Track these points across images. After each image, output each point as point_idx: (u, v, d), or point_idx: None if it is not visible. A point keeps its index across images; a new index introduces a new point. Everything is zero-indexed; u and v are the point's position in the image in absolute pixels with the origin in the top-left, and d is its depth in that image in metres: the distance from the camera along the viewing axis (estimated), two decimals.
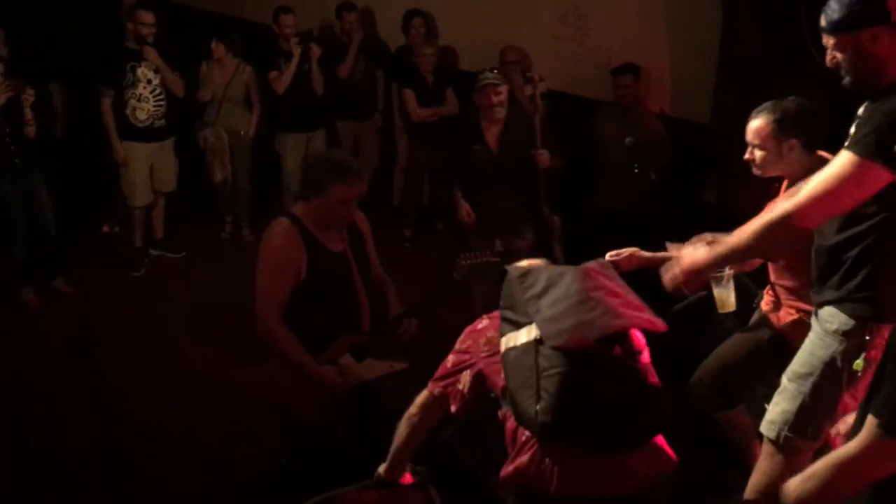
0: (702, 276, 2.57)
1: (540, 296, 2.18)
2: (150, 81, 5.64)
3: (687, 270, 2.64)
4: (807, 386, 2.62)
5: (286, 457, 3.33)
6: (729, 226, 2.68)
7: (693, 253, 2.67)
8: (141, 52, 5.57)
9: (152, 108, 5.68)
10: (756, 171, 2.97)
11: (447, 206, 5.48)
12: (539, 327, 2.12)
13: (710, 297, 3.11)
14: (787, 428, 2.67)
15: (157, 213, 6.07)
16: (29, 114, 4.98)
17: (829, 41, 2.40)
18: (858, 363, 2.45)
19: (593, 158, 5.46)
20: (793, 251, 2.81)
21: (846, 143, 2.32)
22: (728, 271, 3.09)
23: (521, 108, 5.18)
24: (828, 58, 2.44)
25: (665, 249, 2.97)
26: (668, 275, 2.72)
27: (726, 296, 3.06)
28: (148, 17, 5.56)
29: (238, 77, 6.10)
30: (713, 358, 3.18)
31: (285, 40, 6.05)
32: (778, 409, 2.70)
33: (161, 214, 6.11)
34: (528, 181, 4.76)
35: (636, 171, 4.92)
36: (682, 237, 2.94)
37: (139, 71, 5.60)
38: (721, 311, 3.08)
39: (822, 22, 2.39)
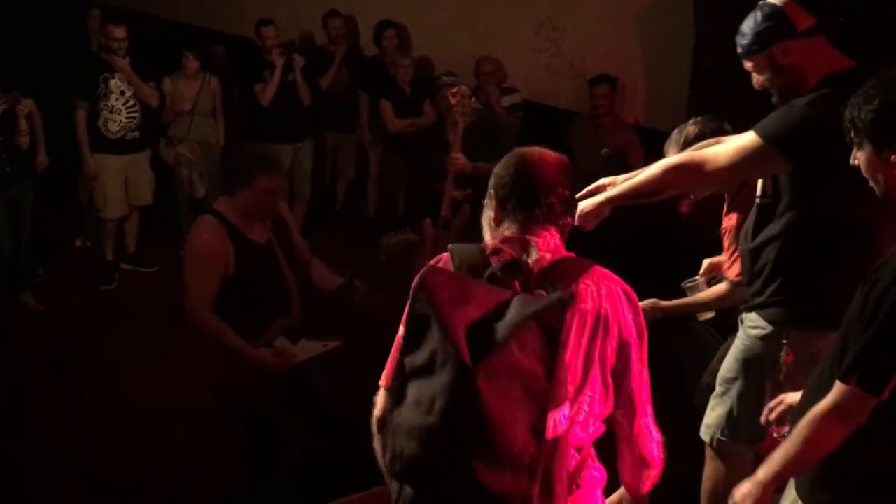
0: (602, 213, 2.59)
1: None
2: (122, 93, 5.59)
3: (587, 210, 2.59)
4: (733, 390, 2.68)
5: (238, 443, 3.39)
6: (701, 237, 2.70)
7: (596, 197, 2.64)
8: (112, 63, 5.53)
9: (125, 120, 5.61)
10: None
11: (422, 216, 5.46)
12: None
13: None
14: (719, 432, 2.73)
15: (129, 226, 6.00)
16: (23, 124, 4.95)
17: (748, 65, 2.53)
18: (780, 363, 2.46)
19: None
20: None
21: (755, 125, 2.40)
22: (701, 279, 3.10)
23: (497, 117, 5.20)
24: (754, 82, 2.56)
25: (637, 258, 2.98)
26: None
27: None
28: (118, 31, 5.50)
29: (205, 89, 6.05)
30: (719, 362, 3.16)
31: (268, 52, 6.03)
32: (712, 413, 2.76)
33: (134, 228, 6.03)
34: None
35: None
36: (656, 249, 2.95)
37: (112, 82, 5.54)
38: (700, 318, 3.08)
39: (738, 49, 2.52)
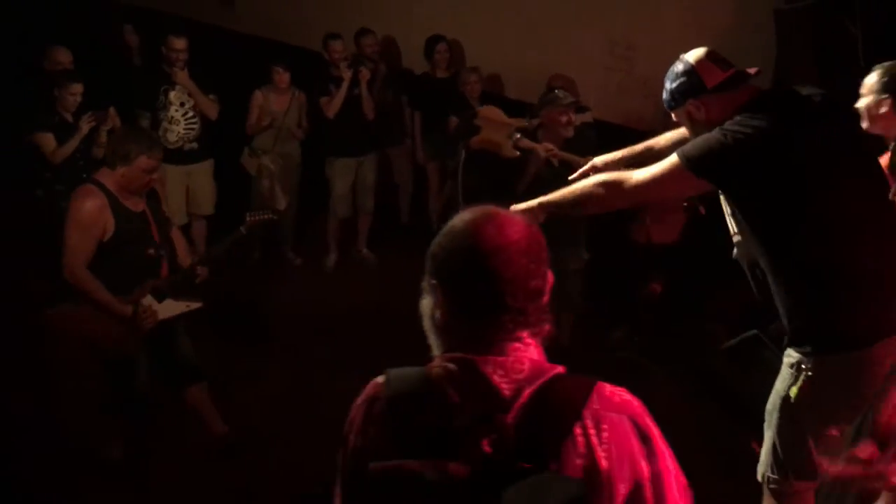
0: (537, 218, 2.66)
1: None
2: (182, 104, 5.69)
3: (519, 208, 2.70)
4: (773, 423, 2.60)
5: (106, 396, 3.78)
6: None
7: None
8: (172, 75, 5.62)
9: (183, 131, 5.71)
10: (863, 124, 3.05)
11: None
12: None
13: (760, 335, 3.00)
14: (768, 468, 2.63)
15: (196, 235, 6.08)
16: (103, 137, 5.12)
17: (673, 116, 2.74)
18: (793, 390, 2.47)
19: None
20: None
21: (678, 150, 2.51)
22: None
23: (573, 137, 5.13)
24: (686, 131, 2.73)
25: (709, 285, 2.97)
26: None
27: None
28: (179, 43, 5.60)
29: (294, 104, 6.12)
30: None
31: (335, 66, 6.07)
32: (762, 449, 2.67)
33: (202, 237, 6.11)
34: None
35: (685, 204, 4.82)
36: (730, 273, 2.87)
37: (171, 94, 5.65)
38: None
39: (663, 102, 2.71)
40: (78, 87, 5.07)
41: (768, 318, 3.14)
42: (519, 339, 1.36)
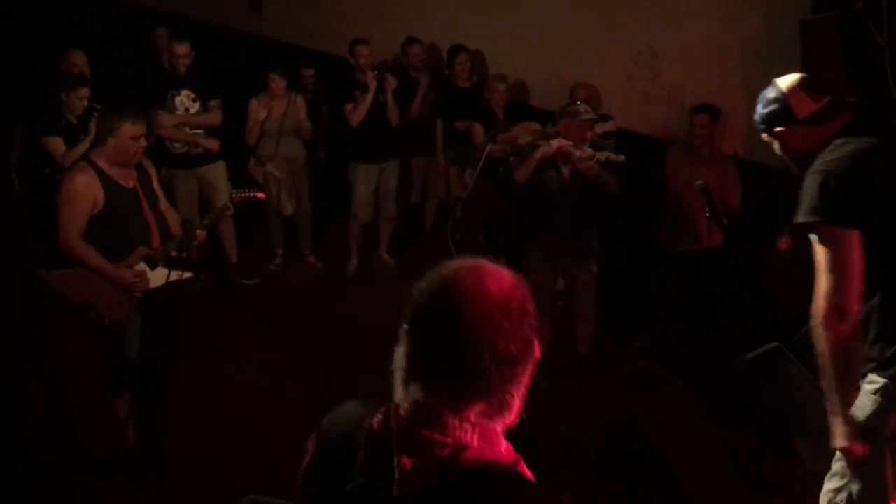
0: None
1: None
2: (187, 109, 5.72)
3: None
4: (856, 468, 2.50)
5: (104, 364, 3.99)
6: (802, 275, 2.57)
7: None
8: (179, 80, 5.65)
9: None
10: None
11: (506, 239, 5.45)
12: None
13: (782, 348, 2.98)
14: (842, 499, 2.55)
15: (227, 238, 6.13)
16: None
17: (763, 137, 2.71)
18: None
19: (658, 198, 5.34)
20: None
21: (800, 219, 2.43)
22: None
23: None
24: (776, 149, 2.69)
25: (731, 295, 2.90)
26: None
27: None
28: (181, 48, 5.63)
29: (291, 108, 6.11)
30: None
31: (361, 72, 6.06)
32: (833, 478, 2.59)
33: (232, 239, 6.15)
34: (595, 213, 4.73)
35: (708, 214, 4.80)
36: (753, 285, 2.85)
37: (177, 99, 5.69)
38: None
39: (756, 120, 2.70)
40: (85, 91, 5.12)
41: (791, 330, 3.12)
42: (459, 413, 1.16)
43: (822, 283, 2.38)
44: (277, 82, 6.03)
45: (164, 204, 4.13)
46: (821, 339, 2.39)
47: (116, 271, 3.82)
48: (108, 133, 3.79)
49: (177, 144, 5.73)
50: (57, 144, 5.07)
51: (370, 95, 5.99)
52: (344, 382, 4.58)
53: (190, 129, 5.76)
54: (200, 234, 4.12)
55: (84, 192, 3.76)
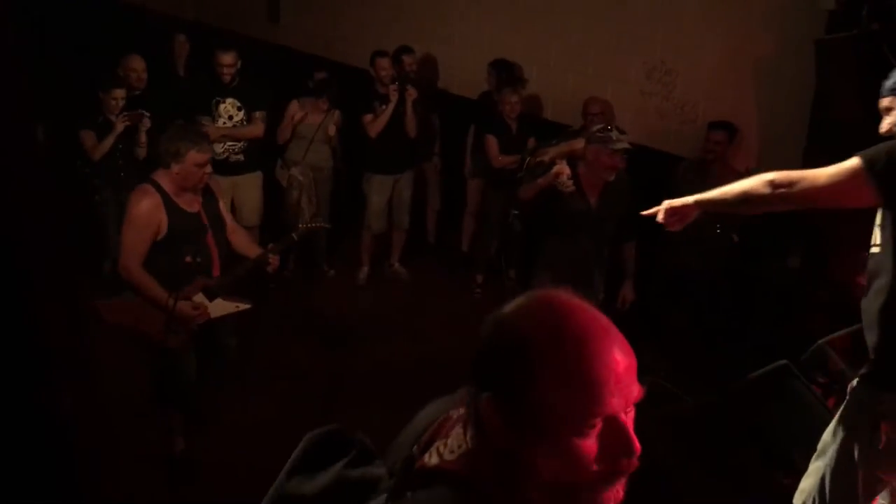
0: (689, 215, 2.66)
1: None
2: (230, 118, 5.77)
3: (675, 208, 2.69)
4: (827, 456, 2.53)
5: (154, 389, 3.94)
6: (813, 293, 2.58)
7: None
8: (225, 88, 5.71)
9: (228, 143, 5.79)
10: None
11: (518, 253, 5.44)
12: None
13: (790, 366, 2.98)
14: (811, 500, 2.57)
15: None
16: (143, 138, 5.45)
17: (885, 103, 2.56)
18: (876, 435, 2.36)
19: None
20: None
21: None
22: None
23: None
24: (881, 126, 2.52)
25: (740, 312, 2.89)
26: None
27: None
28: (226, 57, 5.67)
29: (329, 119, 6.12)
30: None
31: (381, 84, 6.08)
32: (807, 479, 2.62)
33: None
34: (614, 239, 4.61)
35: (718, 230, 4.80)
36: (764, 301, 2.84)
37: (222, 107, 5.75)
38: None
39: (888, 85, 2.54)
40: (120, 93, 5.50)
41: (798, 348, 3.12)
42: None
43: (808, 172, 2.42)
44: (322, 104, 6.04)
45: (230, 225, 4.04)
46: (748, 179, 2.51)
47: (173, 305, 3.65)
48: (173, 158, 3.67)
49: (216, 149, 5.76)
50: (89, 137, 5.48)
51: (390, 107, 5.98)
52: (354, 389, 4.59)
53: (229, 142, 5.80)
54: (274, 260, 4.02)
55: (149, 218, 3.65)
